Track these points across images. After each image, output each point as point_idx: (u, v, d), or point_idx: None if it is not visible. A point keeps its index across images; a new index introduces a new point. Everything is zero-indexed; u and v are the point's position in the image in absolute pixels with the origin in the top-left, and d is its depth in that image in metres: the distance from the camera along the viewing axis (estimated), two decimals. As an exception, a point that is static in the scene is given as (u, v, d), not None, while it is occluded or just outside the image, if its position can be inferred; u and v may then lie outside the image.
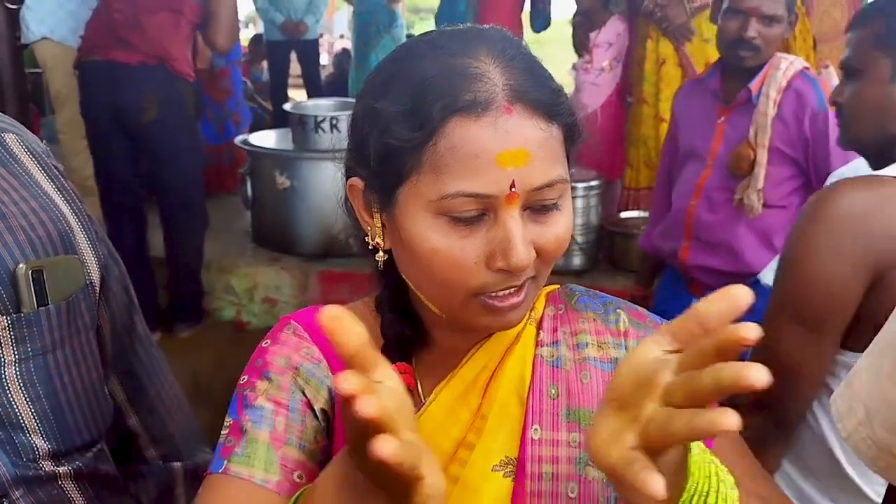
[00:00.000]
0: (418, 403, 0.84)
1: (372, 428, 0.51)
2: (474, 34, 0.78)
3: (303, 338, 0.86)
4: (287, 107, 4.51)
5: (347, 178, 0.84)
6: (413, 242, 0.75)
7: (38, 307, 0.83)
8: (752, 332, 0.51)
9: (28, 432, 0.84)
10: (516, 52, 0.76)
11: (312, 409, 0.83)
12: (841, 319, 1.25)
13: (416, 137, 0.73)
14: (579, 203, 3.66)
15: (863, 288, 1.23)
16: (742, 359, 0.52)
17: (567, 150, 0.78)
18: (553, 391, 0.83)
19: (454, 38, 0.77)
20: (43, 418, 0.85)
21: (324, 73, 7.70)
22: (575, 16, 4.51)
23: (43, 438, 0.85)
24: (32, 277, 0.82)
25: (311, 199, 3.85)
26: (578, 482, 0.80)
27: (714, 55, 3.02)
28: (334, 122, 3.92)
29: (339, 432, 0.83)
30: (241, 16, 3.63)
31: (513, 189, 0.72)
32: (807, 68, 2.24)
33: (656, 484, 0.54)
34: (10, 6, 3.02)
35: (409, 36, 5.27)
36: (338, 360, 0.84)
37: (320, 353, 0.85)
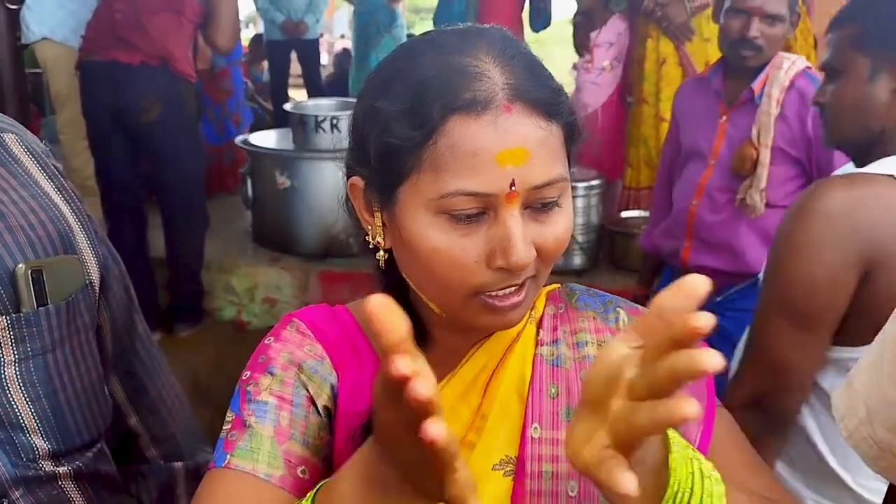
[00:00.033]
0: None
1: (421, 412, 0.50)
2: (474, 33, 0.78)
3: (306, 335, 0.86)
4: (287, 107, 4.51)
5: (348, 177, 0.84)
6: (413, 241, 0.75)
7: (37, 307, 0.83)
8: (703, 320, 0.51)
9: (28, 432, 0.84)
10: (516, 51, 0.76)
11: (315, 406, 0.83)
12: (832, 316, 1.27)
13: (416, 136, 0.73)
14: (580, 203, 3.66)
15: (852, 284, 1.24)
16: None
17: (567, 149, 0.78)
18: (553, 390, 0.83)
19: (454, 38, 0.77)
20: (42, 418, 0.85)
21: (324, 73, 7.70)
22: (576, 15, 4.51)
23: (43, 438, 0.85)
24: (32, 277, 0.82)
25: (311, 199, 3.85)
26: (578, 481, 0.80)
27: (714, 55, 3.01)
28: (335, 121, 3.92)
29: (340, 429, 0.83)
30: (242, 16, 3.62)
31: (512, 188, 0.72)
32: (809, 68, 2.24)
33: (627, 482, 0.54)
34: (11, 6, 3.02)
35: (409, 36, 5.27)
36: (341, 358, 0.85)
37: (323, 351, 0.85)
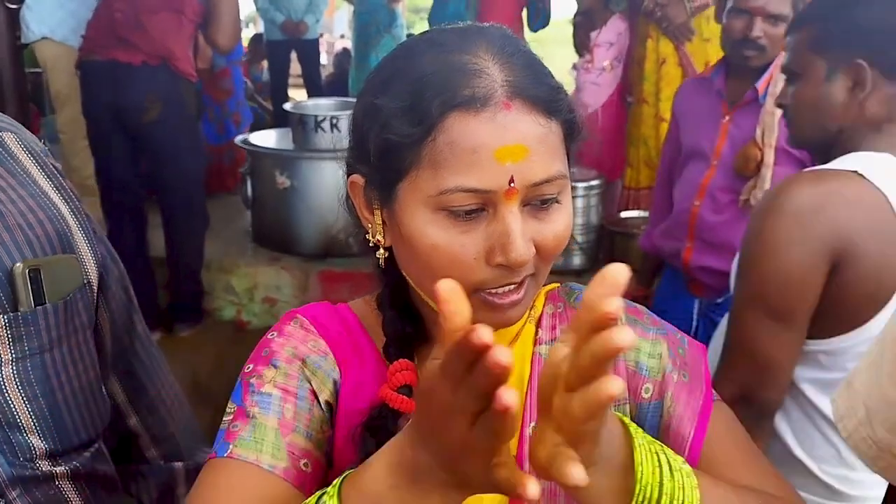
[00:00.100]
0: None
1: (493, 381, 0.51)
2: (474, 32, 0.78)
3: (309, 331, 0.86)
4: (287, 106, 4.51)
5: (348, 175, 0.84)
6: (413, 238, 0.75)
7: (35, 306, 0.83)
8: (612, 305, 0.52)
9: (25, 432, 0.84)
10: (515, 48, 0.76)
11: (318, 400, 0.83)
12: (806, 308, 1.30)
13: (416, 133, 0.73)
14: (579, 203, 3.66)
15: (822, 277, 1.28)
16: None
17: (567, 146, 0.78)
18: None
19: (454, 36, 0.77)
20: (40, 417, 0.85)
21: (324, 73, 7.70)
22: (576, 15, 4.51)
23: (40, 438, 0.85)
24: (30, 276, 0.82)
25: (311, 199, 3.85)
26: None
27: (714, 55, 3.02)
28: (334, 121, 3.92)
29: (340, 427, 0.83)
30: (242, 15, 3.63)
31: (511, 184, 0.72)
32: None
33: (576, 473, 0.54)
34: (10, 6, 3.02)
35: (409, 35, 5.27)
36: (343, 355, 0.85)
37: (327, 347, 0.85)
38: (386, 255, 0.83)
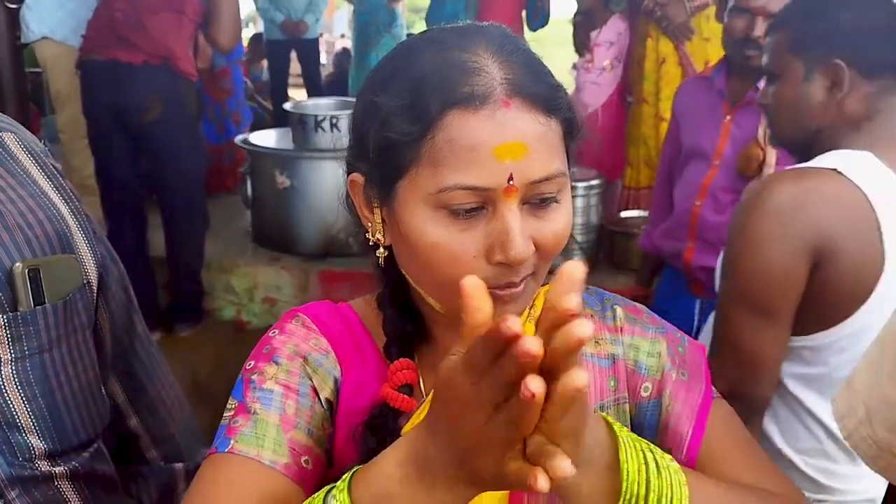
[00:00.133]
0: (420, 399, 0.83)
1: (521, 371, 0.51)
2: (473, 30, 0.78)
3: (311, 329, 0.87)
4: (287, 106, 4.51)
5: (349, 173, 0.84)
6: (412, 236, 0.75)
7: (34, 306, 0.83)
8: (570, 301, 0.52)
9: (24, 432, 0.84)
10: (515, 47, 0.77)
11: (319, 397, 0.83)
12: (789, 305, 1.32)
13: (415, 131, 0.73)
14: (579, 202, 3.66)
15: (804, 274, 1.30)
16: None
17: (566, 145, 0.78)
18: None
19: (453, 35, 0.78)
20: (39, 417, 0.85)
21: (324, 73, 7.70)
22: (576, 15, 4.51)
23: (39, 438, 0.85)
24: (29, 276, 0.82)
25: (311, 199, 3.85)
26: None
27: (714, 54, 3.01)
28: (334, 121, 3.92)
29: (341, 427, 0.83)
30: (242, 15, 3.62)
31: (511, 182, 0.72)
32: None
33: (563, 466, 0.54)
34: (10, 5, 3.02)
35: (409, 35, 5.26)
36: (345, 353, 0.85)
37: (328, 345, 0.86)
38: (386, 253, 0.83)
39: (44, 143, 0.96)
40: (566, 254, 0.79)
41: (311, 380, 0.83)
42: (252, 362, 0.85)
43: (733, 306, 1.37)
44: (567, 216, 0.78)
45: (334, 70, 8.29)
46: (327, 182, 3.72)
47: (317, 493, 0.68)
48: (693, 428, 0.85)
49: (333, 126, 3.90)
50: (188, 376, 3.07)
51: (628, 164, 4.01)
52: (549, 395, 0.53)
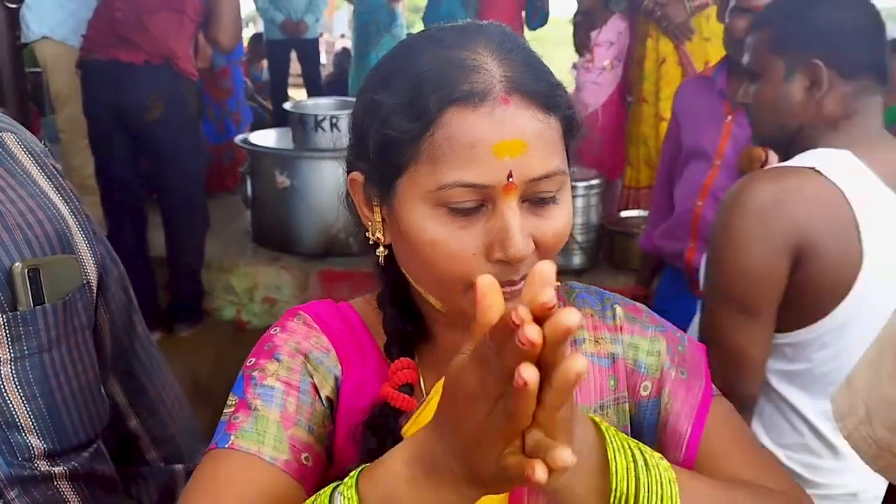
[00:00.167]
0: (420, 399, 0.83)
1: (519, 359, 0.52)
2: (473, 29, 0.78)
3: (312, 327, 0.87)
4: (287, 106, 4.51)
5: (349, 172, 0.84)
6: (411, 234, 0.75)
7: (34, 306, 0.82)
8: (545, 295, 0.53)
9: (24, 432, 0.84)
10: (514, 45, 0.77)
11: (319, 395, 0.83)
12: (772, 302, 1.34)
13: (414, 128, 0.73)
14: (579, 202, 3.66)
15: (785, 271, 1.32)
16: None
17: (566, 143, 0.78)
18: None
19: (453, 33, 0.78)
20: (39, 417, 0.84)
21: (324, 73, 7.70)
22: (576, 15, 4.51)
23: (39, 438, 0.85)
24: (29, 276, 0.82)
25: (311, 199, 3.85)
26: None
27: (714, 54, 3.01)
28: (334, 121, 3.91)
29: (341, 426, 0.83)
30: (242, 14, 3.63)
31: (510, 179, 0.72)
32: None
33: (564, 455, 0.54)
34: (10, 5, 3.02)
35: (409, 35, 5.25)
36: (345, 352, 0.85)
37: (329, 343, 0.86)
38: (385, 253, 0.83)
39: (44, 143, 0.96)
40: (566, 253, 0.79)
41: (311, 377, 0.83)
42: (253, 359, 0.85)
43: (718, 305, 1.39)
44: (567, 215, 0.78)
45: (334, 70, 8.29)
46: (327, 182, 3.72)
47: (322, 491, 0.68)
48: (692, 426, 0.85)
49: (333, 126, 3.90)
50: (188, 376, 3.07)
51: (628, 164, 4.01)
52: (549, 384, 0.53)
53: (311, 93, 6.62)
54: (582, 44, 4.37)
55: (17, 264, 0.82)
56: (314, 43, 6.68)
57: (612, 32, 4.14)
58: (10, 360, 0.82)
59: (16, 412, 0.83)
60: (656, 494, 0.69)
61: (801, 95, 1.40)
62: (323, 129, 3.90)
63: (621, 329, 0.88)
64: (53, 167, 0.93)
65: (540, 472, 0.54)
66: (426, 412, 0.82)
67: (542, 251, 0.76)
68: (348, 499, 0.65)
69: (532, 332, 0.50)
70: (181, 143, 3.54)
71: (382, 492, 0.64)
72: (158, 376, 1.08)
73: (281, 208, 3.97)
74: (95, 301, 0.93)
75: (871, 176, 1.33)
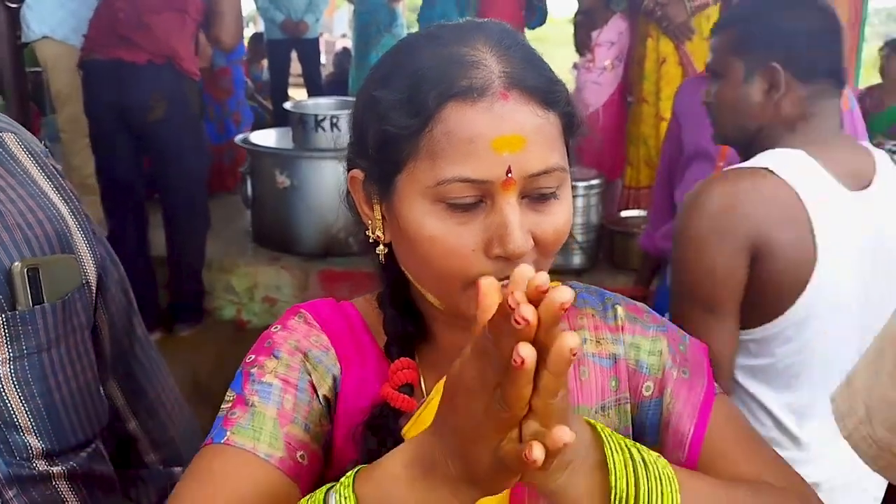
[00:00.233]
0: (421, 399, 0.83)
1: (516, 339, 0.52)
2: (472, 26, 0.78)
3: (312, 326, 0.87)
4: (287, 106, 4.51)
5: (349, 170, 0.84)
6: (411, 230, 0.75)
7: (33, 305, 0.82)
8: (539, 279, 0.53)
9: (22, 431, 0.84)
10: (513, 41, 0.77)
11: (317, 394, 0.83)
12: (734, 300, 1.37)
13: (413, 124, 0.73)
14: (579, 202, 3.66)
15: (744, 270, 1.35)
16: None
17: (566, 140, 0.78)
18: None
19: (452, 31, 0.78)
20: (37, 417, 0.84)
21: (324, 73, 7.70)
22: (576, 15, 4.51)
23: (37, 437, 0.85)
24: (28, 276, 0.82)
25: (311, 199, 3.85)
26: None
27: (715, 54, 2.99)
28: (334, 120, 3.92)
29: (340, 425, 0.83)
30: (243, 13, 3.64)
31: (509, 174, 0.72)
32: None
33: (563, 434, 0.54)
34: (11, 5, 3.02)
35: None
36: (345, 351, 0.85)
37: (329, 342, 0.86)
38: (385, 251, 0.83)
39: (44, 143, 0.96)
40: (566, 253, 0.78)
41: (310, 376, 0.83)
42: (252, 356, 0.85)
43: (684, 305, 1.41)
44: (567, 212, 0.77)
45: (334, 70, 8.29)
46: (327, 182, 3.72)
47: (315, 491, 0.68)
48: (695, 426, 0.84)
49: (333, 126, 3.90)
50: (188, 376, 3.07)
51: (628, 164, 4.01)
52: (544, 366, 0.53)
53: (312, 93, 6.62)
54: (583, 44, 4.37)
55: (16, 264, 0.81)
56: (314, 43, 6.69)
57: (612, 32, 4.14)
58: (9, 359, 0.82)
59: (14, 412, 0.83)
60: (656, 492, 0.69)
61: (760, 97, 1.43)
62: (323, 128, 3.91)
63: (623, 329, 0.88)
64: (53, 167, 0.93)
65: (537, 452, 0.54)
66: (426, 412, 0.82)
67: (541, 248, 0.76)
68: (346, 498, 0.65)
69: (527, 311, 0.51)
70: (184, 142, 3.55)
71: (381, 493, 0.64)
72: (158, 379, 1.08)
73: (281, 208, 3.97)
74: (95, 301, 0.93)
75: (826, 175, 1.37)
